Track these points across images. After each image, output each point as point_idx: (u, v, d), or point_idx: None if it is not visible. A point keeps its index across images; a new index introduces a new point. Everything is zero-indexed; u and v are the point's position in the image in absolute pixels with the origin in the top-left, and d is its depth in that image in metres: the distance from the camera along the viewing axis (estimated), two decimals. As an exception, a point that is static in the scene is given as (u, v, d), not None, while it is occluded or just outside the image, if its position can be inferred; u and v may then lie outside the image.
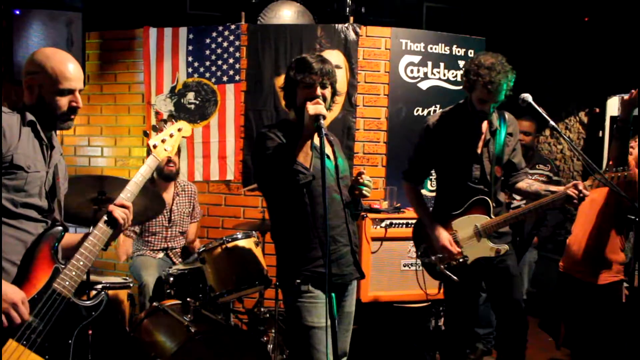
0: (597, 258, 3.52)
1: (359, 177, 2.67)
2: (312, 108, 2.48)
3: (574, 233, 3.72)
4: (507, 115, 3.24)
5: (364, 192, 2.67)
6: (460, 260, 3.12)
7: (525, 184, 3.24)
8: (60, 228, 2.19)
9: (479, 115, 3.09)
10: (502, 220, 3.10)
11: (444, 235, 3.14)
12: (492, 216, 3.11)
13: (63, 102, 2.18)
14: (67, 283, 2.11)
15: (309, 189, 2.58)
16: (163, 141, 2.50)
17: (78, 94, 2.22)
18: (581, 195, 2.87)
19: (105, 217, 2.21)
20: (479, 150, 3.15)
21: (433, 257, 3.20)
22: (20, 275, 2.08)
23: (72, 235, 2.29)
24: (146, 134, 2.66)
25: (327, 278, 2.20)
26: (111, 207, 2.23)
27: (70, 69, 2.18)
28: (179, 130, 2.56)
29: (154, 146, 2.47)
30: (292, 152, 2.53)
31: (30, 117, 2.16)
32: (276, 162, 2.55)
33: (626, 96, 3.06)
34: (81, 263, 2.14)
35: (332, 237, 2.61)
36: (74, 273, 2.13)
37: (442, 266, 3.16)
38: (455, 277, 3.11)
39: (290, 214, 2.65)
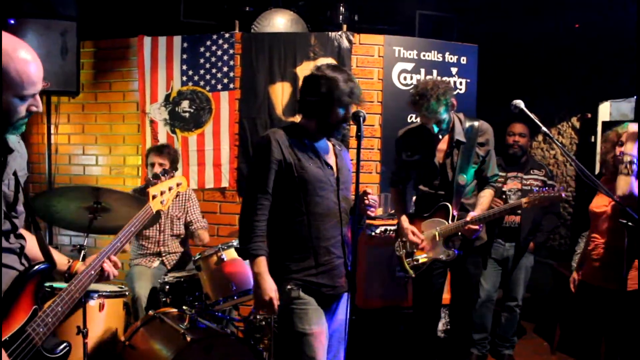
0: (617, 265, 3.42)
1: (364, 197, 2.67)
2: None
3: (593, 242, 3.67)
4: (478, 124, 3.47)
5: (369, 213, 2.68)
6: (421, 260, 3.47)
7: (479, 196, 3.54)
8: (47, 267, 1.99)
9: (439, 134, 3.41)
10: (455, 227, 3.37)
11: (408, 229, 3.49)
12: (450, 222, 3.39)
13: (23, 107, 1.83)
14: (42, 330, 1.90)
15: (306, 198, 2.59)
16: (162, 193, 2.55)
17: (38, 96, 1.88)
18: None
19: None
20: (440, 161, 3.46)
21: (404, 251, 3.55)
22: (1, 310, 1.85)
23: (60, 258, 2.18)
24: (149, 181, 2.73)
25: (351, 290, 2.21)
26: (106, 262, 2.16)
27: (35, 71, 1.82)
28: (178, 185, 2.65)
29: (153, 196, 2.51)
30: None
31: None
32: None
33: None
34: (59, 308, 1.97)
35: (326, 248, 2.62)
36: (50, 319, 1.94)
37: (406, 261, 3.53)
38: (412, 273, 3.49)
39: (287, 220, 2.64)
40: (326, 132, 2.70)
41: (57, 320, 1.96)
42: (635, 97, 5.23)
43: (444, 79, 4.75)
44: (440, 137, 3.44)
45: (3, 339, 1.80)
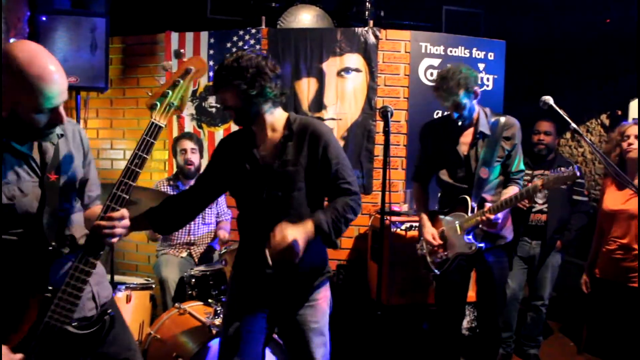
0: None
1: None
2: None
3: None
4: (503, 119, 3.40)
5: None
6: (443, 256, 3.45)
7: (503, 192, 3.44)
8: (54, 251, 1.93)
9: (458, 121, 3.36)
10: (474, 218, 3.32)
11: (427, 230, 3.50)
12: (470, 214, 3.35)
13: (43, 119, 1.83)
14: (59, 313, 1.87)
15: (239, 194, 2.59)
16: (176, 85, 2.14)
17: (62, 108, 1.86)
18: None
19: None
20: (464, 153, 3.41)
21: (425, 250, 3.56)
22: (12, 310, 1.84)
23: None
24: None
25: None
26: (95, 225, 1.94)
27: (55, 84, 1.78)
28: (187, 71, 2.15)
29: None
30: None
31: None
32: None
33: None
34: (69, 290, 1.88)
35: (248, 243, 2.59)
36: (67, 305, 1.88)
37: (429, 259, 3.53)
38: (436, 271, 3.49)
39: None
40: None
41: (77, 299, 1.89)
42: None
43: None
44: (459, 123, 3.36)
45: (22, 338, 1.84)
